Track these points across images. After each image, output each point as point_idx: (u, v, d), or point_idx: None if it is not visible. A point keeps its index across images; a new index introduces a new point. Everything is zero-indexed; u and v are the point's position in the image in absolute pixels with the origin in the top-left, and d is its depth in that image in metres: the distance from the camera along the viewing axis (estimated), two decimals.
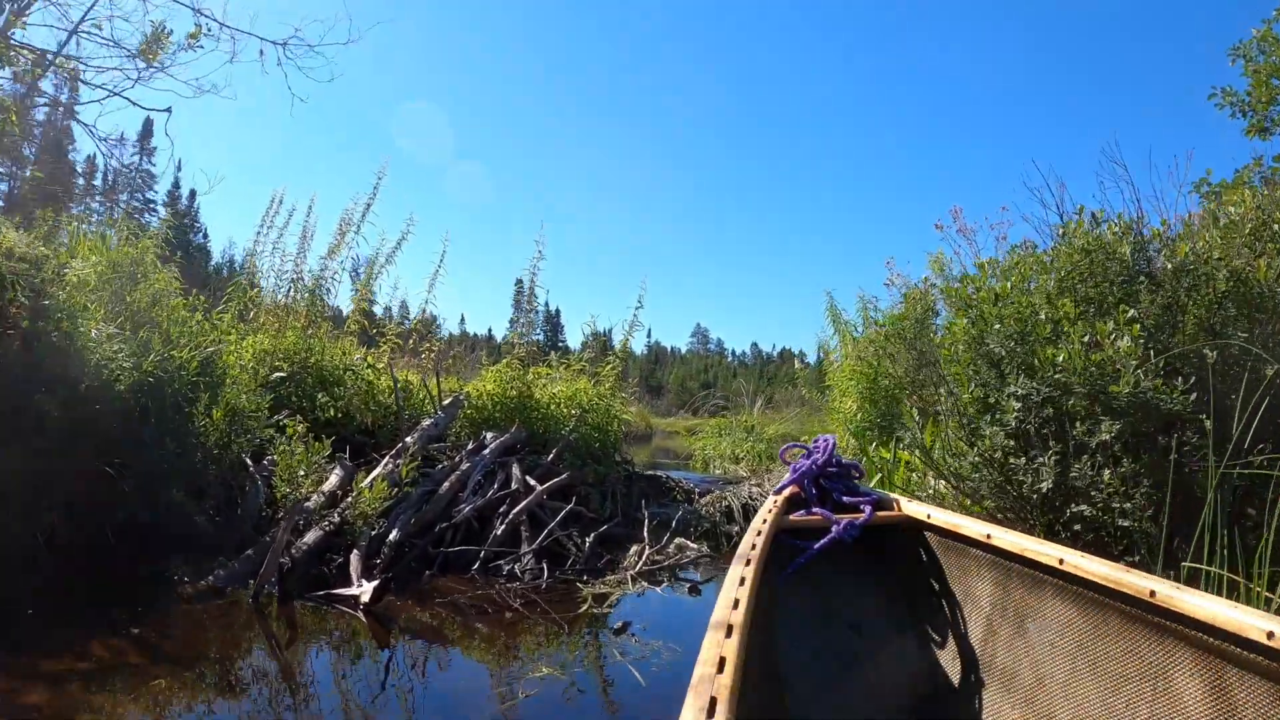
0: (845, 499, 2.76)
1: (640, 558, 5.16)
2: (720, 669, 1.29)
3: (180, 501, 4.84)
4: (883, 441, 7.89)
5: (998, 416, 3.94)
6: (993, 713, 2.10)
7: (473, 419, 6.77)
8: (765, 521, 2.41)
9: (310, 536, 4.59)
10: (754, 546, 2.10)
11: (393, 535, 4.74)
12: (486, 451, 5.88)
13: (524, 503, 5.27)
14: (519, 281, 7.39)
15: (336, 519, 4.76)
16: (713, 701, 1.16)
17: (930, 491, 5.24)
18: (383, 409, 7.07)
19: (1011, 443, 4.09)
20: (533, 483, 5.63)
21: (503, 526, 5.10)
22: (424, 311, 7.68)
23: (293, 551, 4.42)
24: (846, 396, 8.60)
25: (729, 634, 1.45)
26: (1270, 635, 1.39)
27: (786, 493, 2.82)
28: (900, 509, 2.68)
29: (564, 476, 5.74)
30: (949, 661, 2.35)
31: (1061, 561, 1.91)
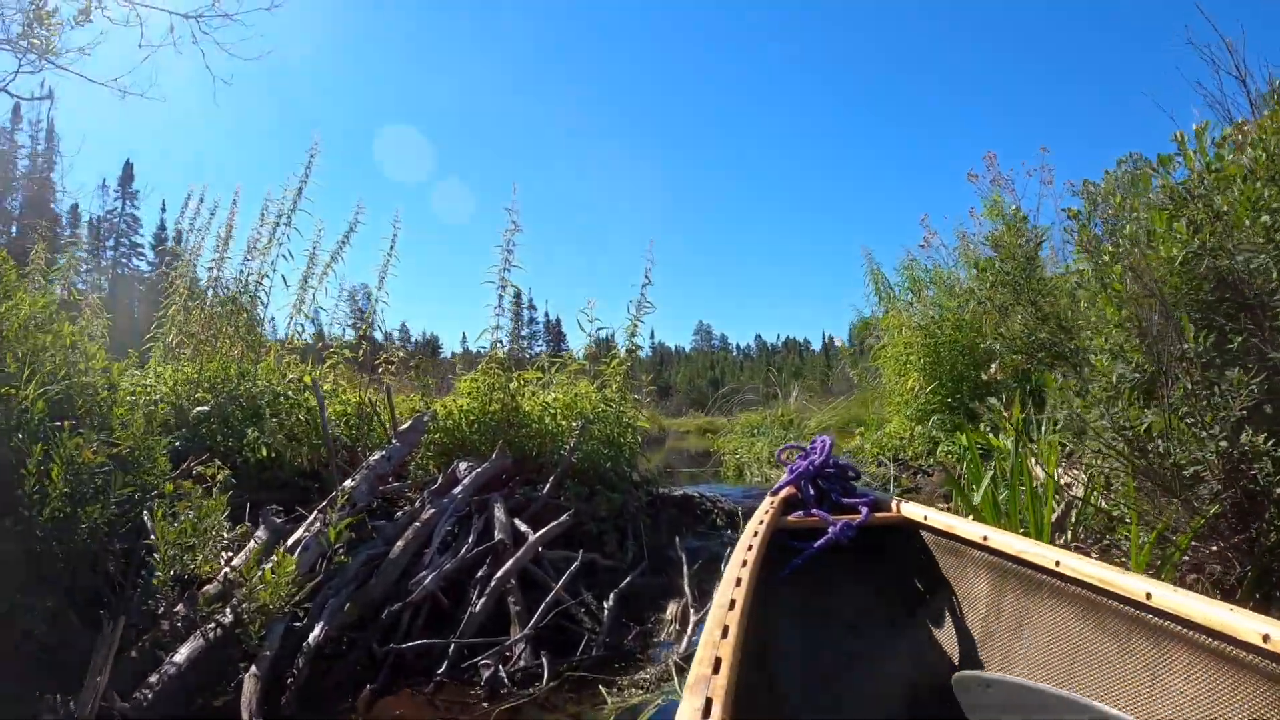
0: (843, 500, 2.73)
1: (685, 626, 3.53)
2: (716, 670, 1.27)
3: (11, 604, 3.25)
4: (952, 426, 6.24)
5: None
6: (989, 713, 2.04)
7: (443, 445, 5.15)
8: (762, 523, 2.38)
9: (184, 651, 2.96)
10: (750, 548, 2.08)
11: (314, 634, 3.13)
12: (458, 489, 4.25)
13: (510, 561, 3.64)
14: (517, 293, 5.77)
15: (229, 617, 3.14)
16: (708, 702, 1.15)
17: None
18: (326, 439, 5.46)
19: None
20: (523, 528, 4.00)
21: (482, 601, 3.47)
22: (374, 309, 6.03)
23: (152, 680, 2.80)
24: (905, 374, 6.96)
25: (725, 635, 1.43)
26: (1265, 638, 1.38)
27: (783, 493, 2.78)
28: (897, 510, 2.63)
29: (565, 517, 4.10)
30: (945, 663, 2.27)
31: (1057, 563, 1.89)
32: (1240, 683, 1.46)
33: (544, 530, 3.88)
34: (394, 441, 4.79)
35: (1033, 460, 5.17)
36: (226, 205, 6.67)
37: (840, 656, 2.40)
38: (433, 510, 4.06)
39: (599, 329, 5.52)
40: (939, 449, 6.13)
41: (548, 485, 4.54)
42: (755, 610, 1.80)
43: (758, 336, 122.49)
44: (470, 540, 3.90)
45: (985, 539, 2.20)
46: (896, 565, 2.62)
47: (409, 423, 4.95)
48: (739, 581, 1.78)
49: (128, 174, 52.08)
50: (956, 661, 2.26)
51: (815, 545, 2.48)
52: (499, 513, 4.09)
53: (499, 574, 3.57)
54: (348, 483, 4.28)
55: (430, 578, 3.56)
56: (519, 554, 3.67)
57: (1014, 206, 4.80)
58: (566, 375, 5.60)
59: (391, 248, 6.15)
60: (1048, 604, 1.98)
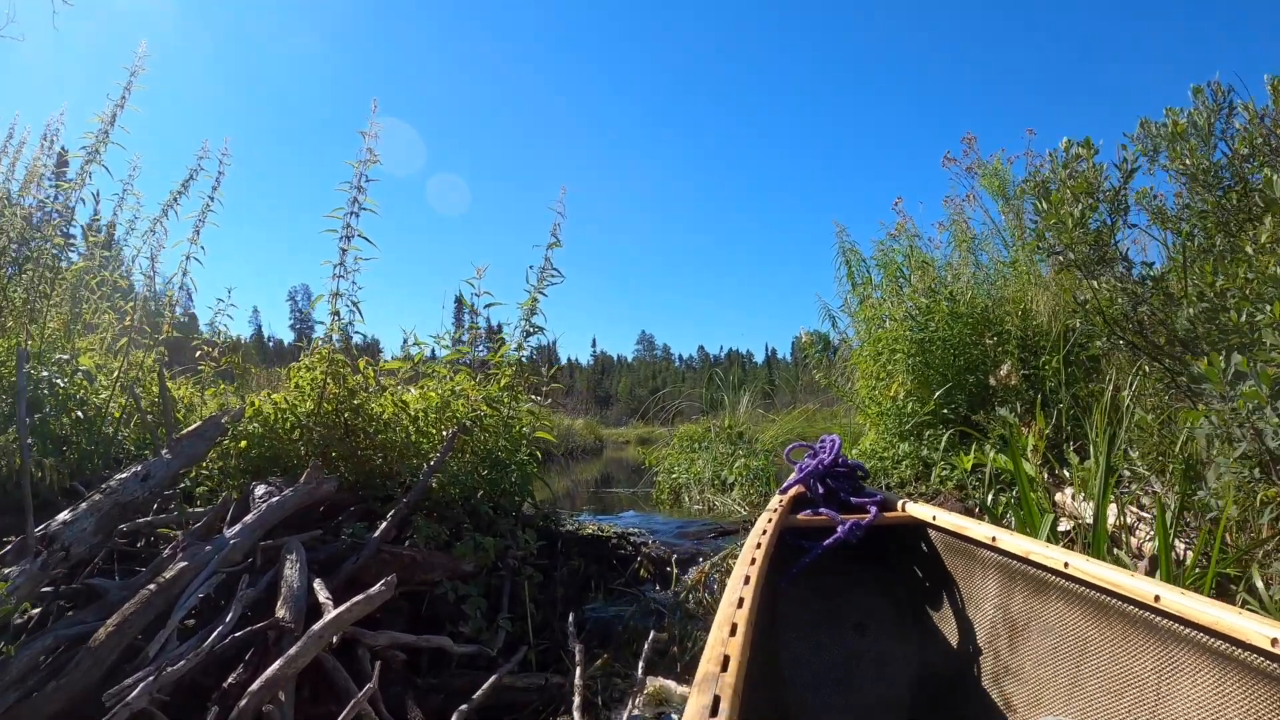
0: (851, 499, 2.71)
1: None
2: (724, 667, 1.27)
3: None
4: (948, 444, 4.98)
5: None
6: (995, 714, 2.04)
7: (257, 461, 3.68)
8: (770, 521, 2.38)
9: None
10: (759, 545, 2.09)
11: None
12: (235, 530, 2.82)
13: (278, 662, 2.21)
14: (458, 299, 4.32)
15: None
16: (716, 700, 1.15)
17: None
18: (106, 446, 3.98)
19: None
20: (324, 596, 2.57)
21: None
22: (186, 274, 4.50)
23: None
24: (887, 377, 5.68)
25: (733, 632, 1.43)
26: (1274, 642, 1.36)
27: (792, 492, 2.78)
28: (905, 510, 2.60)
29: (379, 587, 2.57)
30: (952, 663, 2.28)
31: (1066, 565, 1.87)
32: (1248, 686, 1.42)
33: (348, 605, 2.43)
34: (164, 452, 3.33)
35: (1068, 493, 3.95)
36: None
37: (847, 655, 2.40)
38: (184, 564, 2.63)
39: (488, 304, 4.09)
40: (934, 473, 4.86)
41: (383, 524, 3.09)
42: (763, 608, 1.93)
43: (700, 348, 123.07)
44: (231, 616, 2.47)
45: (994, 539, 2.17)
46: (905, 565, 2.62)
47: (196, 427, 3.50)
48: (747, 579, 1.77)
49: (61, 162, 49.18)
50: (963, 661, 2.23)
51: (823, 544, 2.45)
52: (291, 569, 2.67)
53: (259, 681, 2.15)
54: (62, 515, 2.83)
55: (141, 687, 2.14)
56: (296, 647, 2.25)
57: (1065, 139, 3.53)
58: (444, 367, 4.16)
59: (215, 189, 4.66)
60: (1056, 605, 1.95)
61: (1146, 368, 3.22)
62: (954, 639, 2.32)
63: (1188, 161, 2.70)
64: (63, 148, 5.52)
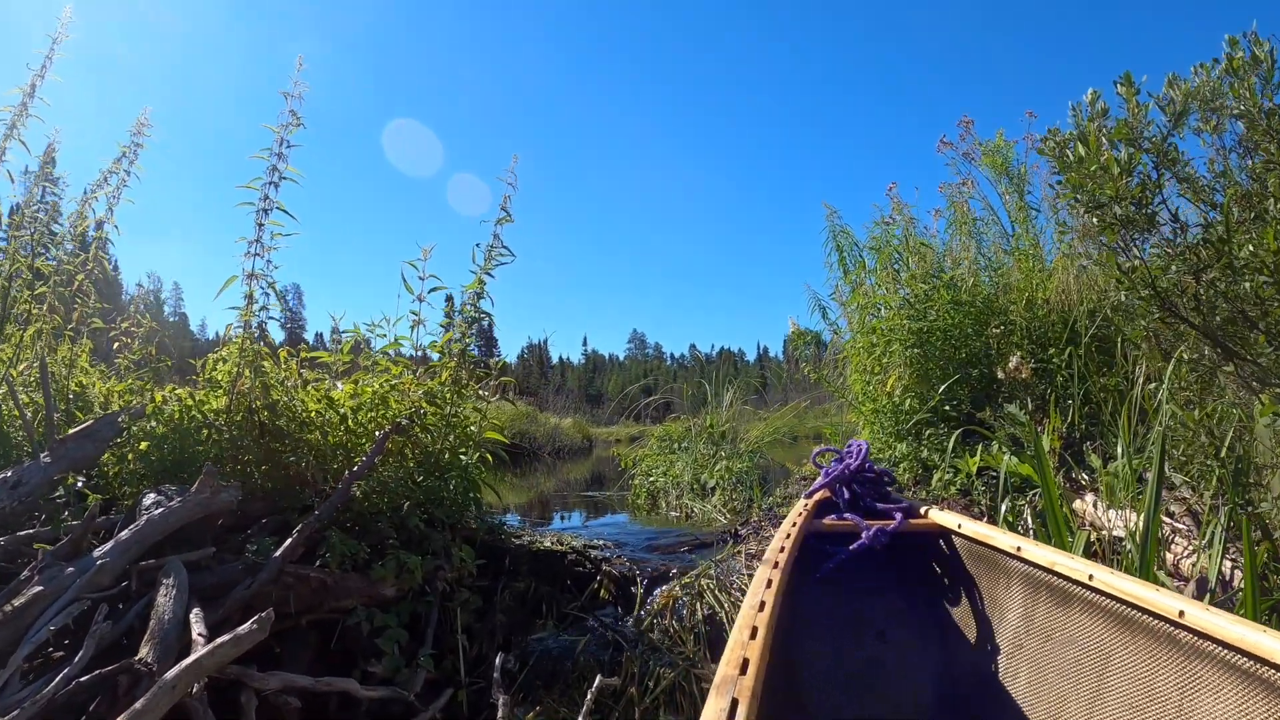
0: (877, 505, 2.72)
1: None
2: (743, 670, 1.26)
3: None
4: (949, 445, 4.57)
5: None
6: None
7: (154, 464, 3.25)
8: (795, 525, 2.42)
9: None
10: (782, 549, 2.10)
11: None
12: (105, 550, 2.41)
13: (124, 719, 1.79)
14: (449, 298, 3.90)
15: None
16: (734, 703, 1.15)
17: None
18: (6, 448, 3.55)
19: None
20: (198, 632, 2.16)
21: None
22: (101, 234, 4.08)
23: None
24: (882, 371, 5.27)
25: (753, 636, 1.44)
26: None
27: (817, 496, 2.79)
28: (930, 517, 2.61)
29: (250, 625, 2.09)
30: (973, 672, 2.28)
31: (1091, 577, 1.87)
32: (1272, 706, 1.40)
33: (210, 648, 2.00)
34: (42, 456, 2.91)
35: (1089, 500, 3.56)
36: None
37: (868, 660, 2.41)
38: (39, 589, 2.22)
39: (432, 289, 3.67)
40: (935, 477, 4.46)
41: (290, 539, 2.67)
42: (784, 611, 1.88)
43: (692, 346, 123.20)
44: (82, 655, 2.06)
45: (1019, 549, 2.16)
46: (928, 572, 2.63)
47: (84, 425, 3.08)
48: (770, 583, 1.78)
49: (49, 157, 48.65)
50: (984, 671, 2.22)
51: (848, 550, 2.47)
52: (164, 597, 2.26)
53: None
54: None
55: None
56: (143, 701, 1.83)
57: (1091, 90, 3.12)
58: (381, 359, 3.74)
59: (132, 162, 4.24)
60: (1079, 617, 1.94)
61: (1185, 355, 2.82)
62: (976, 648, 2.32)
63: (1245, 105, 2.31)
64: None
